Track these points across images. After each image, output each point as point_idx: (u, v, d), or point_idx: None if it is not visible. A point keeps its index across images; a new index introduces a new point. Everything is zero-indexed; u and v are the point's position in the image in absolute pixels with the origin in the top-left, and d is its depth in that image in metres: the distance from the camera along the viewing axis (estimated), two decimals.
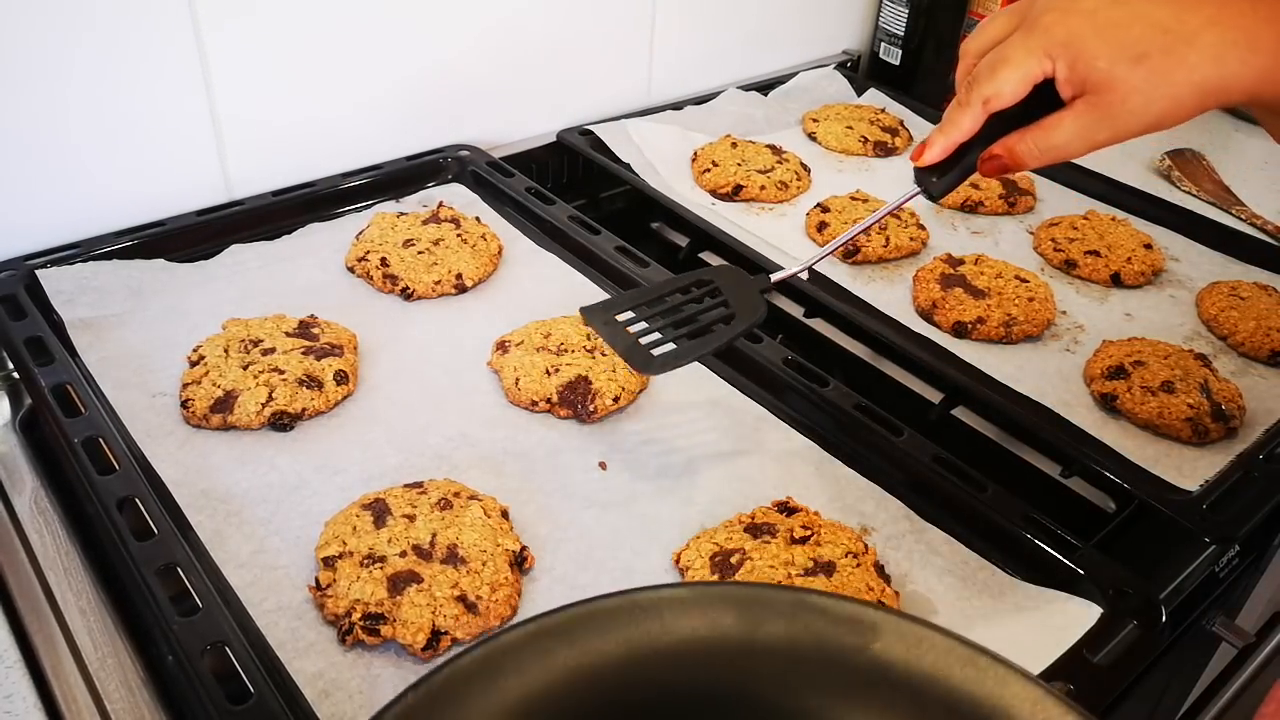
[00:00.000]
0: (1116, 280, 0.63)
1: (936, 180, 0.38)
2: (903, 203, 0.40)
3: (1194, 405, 0.50)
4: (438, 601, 0.37)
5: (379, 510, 0.40)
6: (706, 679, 0.27)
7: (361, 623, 0.36)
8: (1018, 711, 0.25)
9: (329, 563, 0.38)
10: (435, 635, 0.37)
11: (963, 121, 0.36)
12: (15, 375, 0.48)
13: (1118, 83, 0.32)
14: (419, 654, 0.36)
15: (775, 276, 0.43)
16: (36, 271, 0.52)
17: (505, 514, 0.42)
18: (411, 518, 0.40)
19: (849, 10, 0.91)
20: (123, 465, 0.42)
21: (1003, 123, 0.35)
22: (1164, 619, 0.39)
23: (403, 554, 0.39)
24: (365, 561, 0.38)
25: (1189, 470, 0.47)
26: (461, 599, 0.37)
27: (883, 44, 0.89)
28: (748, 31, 0.84)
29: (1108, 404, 0.51)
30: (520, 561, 0.40)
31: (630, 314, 0.42)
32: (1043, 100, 0.34)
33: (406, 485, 0.42)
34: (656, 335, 0.41)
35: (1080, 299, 0.61)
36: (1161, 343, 0.55)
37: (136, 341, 0.50)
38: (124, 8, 0.52)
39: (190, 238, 0.57)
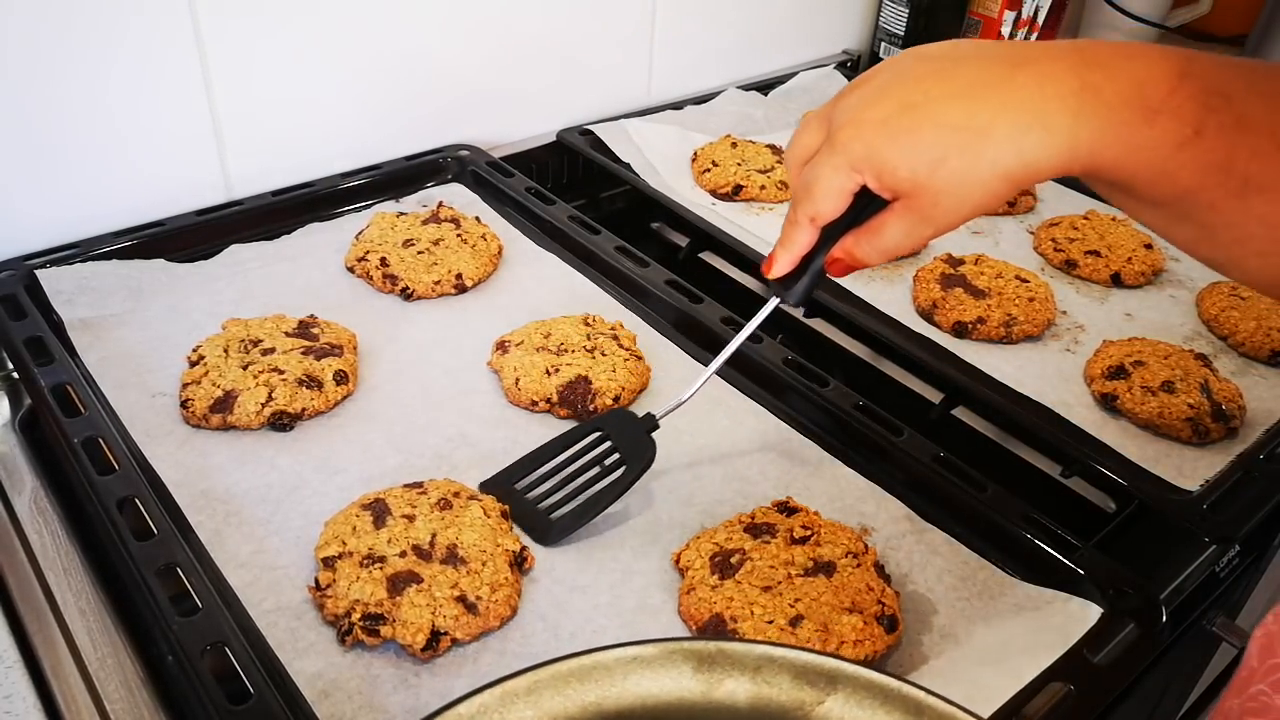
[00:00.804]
0: (1117, 280, 0.63)
1: (791, 289, 0.39)
2: (764, 316, 0.41)
3: (1194, 405, 0.50)
4: (437, 602, 0.37)
5: (379, 510, 0.40)
6: None
7: (361, 623, 0.36)
8: None
9: (329, 563, 0.38)
10: (435, 635, 0.36)
11: (798, 237, 0.37)
12: (15, 375, 0.48)
13: (923, 189, 0.33)
14: (418, 654, 0.36)
15: (660, 413, 0.43)
16: (36, 272, 0.52)
17: (505, 514, 0.42)
18: (411, 518, 0.40)
19: (849, 10, 0.91)
20: (122, 465, 0.42)
21: (840, 225, 0.37)
22: (1164, 619, 0.39)
23: (402, 554, 0.39)
24: (365, 562, 0.38)
25: (1189, 470, 0.47)
26: (461, 599, 0.37)
27: (883, 44, 0.89)
28: (748, 31, 0.84)
29: (1108, 404, 0.51)
30: (520, 562, 0.40)
31: (529, 479, 0.43)
32: (873, 197, 0.35)
33: (406, 485, 0.42)
34: (558, 498, 0.42)
35: (1080, 299, 0.61)
36: (1162, 343, 0.55)
37: (136, 341, 0.50)
38: (124, 7, 0.52)
39: (190, 238, 0.57)
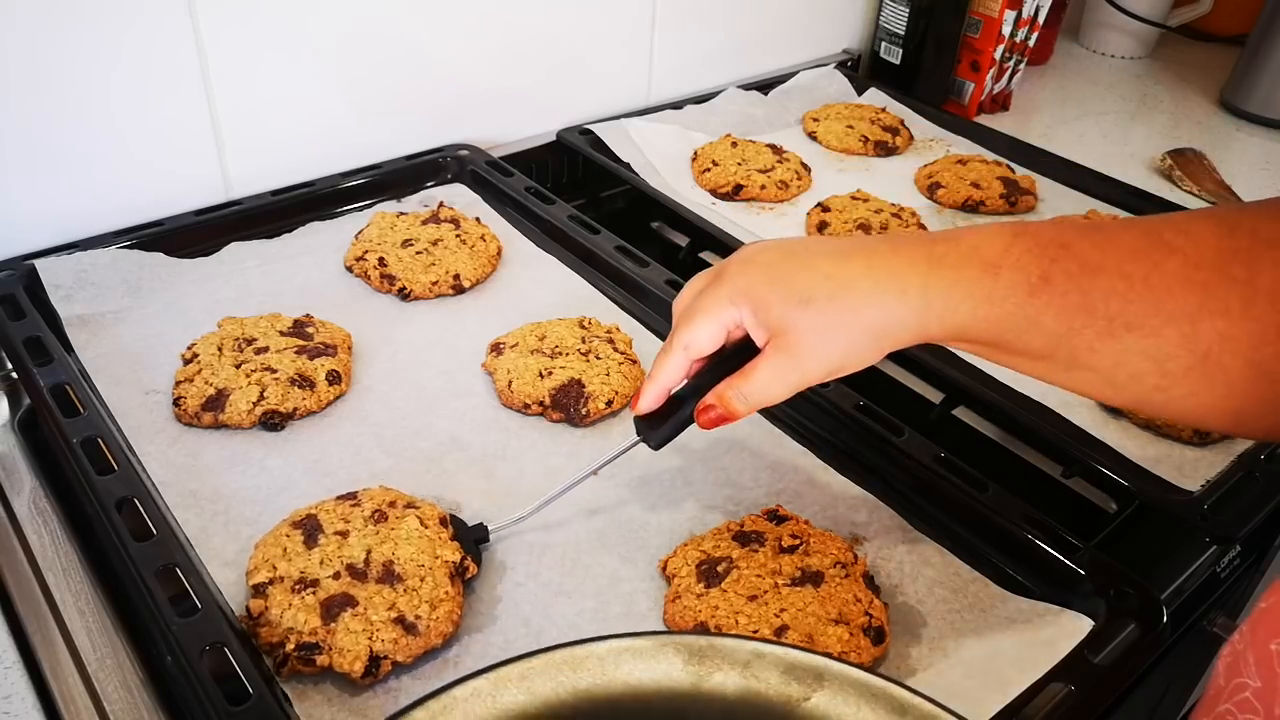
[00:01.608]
0: None
1: (653, 431, 0.38)
2: (618, 456, 0.39)
3: None
4: (374, 625, 0.36)
5: (310, 528, 0.39)
6: None
7: (296, 654, 0.35)
8: None
9: (260, 590, 0.37)
10: (374, 660, 0.35)
11: (668, 368, 0.37)
12: (14, 375, 0.48)
13: (791, 325, 0.34)
14: (359, 681, 0.35)
15: (495, 526, 0.41)
16: (34, 262, 0.52)
17: (445, 521, 0.40)
18: (345, 534, 0.39)
19: (849, 9, 0.91)
20: (121, 465, 0.41)
21: (718, 374, 0.36)
22: (1165, 620, 0.39)
23: (336, 575, 0.37)
24: (297, 587, 0.37)
25: (1190, 470, 0.47)
26: (400, 620, 0.36)
27: (883, 43, 0.89)
28: (748, 31, 0.84)
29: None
30: (462, 572, 0.39)
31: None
32: (753, 353, 0.36)
33: (339, 497, 0.41)
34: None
35: None
36: None
37: (132, 339, 0.50)
38: (123, 7, 0.52)
39: (189, 237, 0.57)
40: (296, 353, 0.48)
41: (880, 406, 0.48)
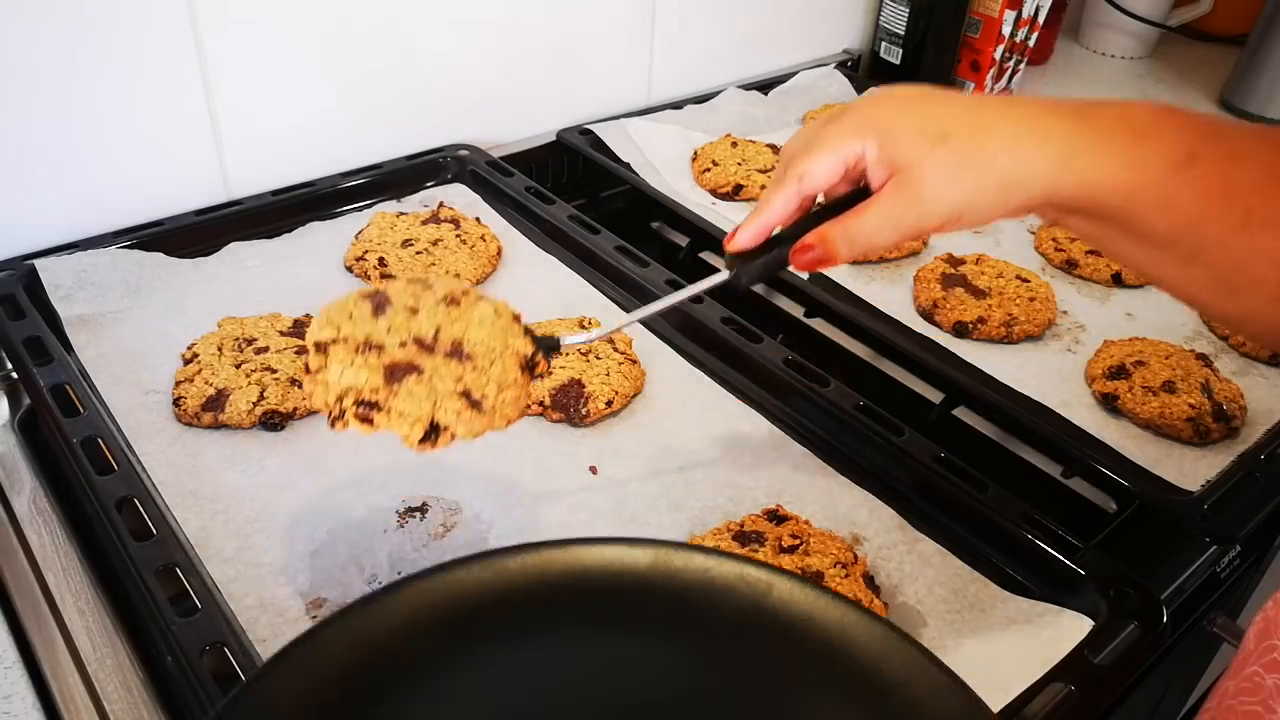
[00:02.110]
0: (1118, 280, 0.62)
1: (745, 267, 0.36)
2: (704, 289, 0.37)
3: (1195, 405, 0.50)
4: (439, 394, 0.34)
5: (380, 301, 0.37)
6: (617, 606, 0.32)
7: (356, 408, 0.34)
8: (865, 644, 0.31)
9: (320, 347, 0.35)
10: (434, 428, 0.34)
11: (776, 202, 0.35)
12: (14, 375, 0.48)
13: (919, 160, 0.32)
14: (415, 446, 0.34)
15: (566, 342, 0.39)
16: (34, 263, 0.52)
17: (518, 319, 0.38)
18: (414, 310, 0.36)
19: (849, 10, 0.91)
20: (121, 465, 0.41)
21: (816, 220, 0.35)
22: (1165, 619, 0.39)
23: (402, 344, 0.35)
24: (361, 348, 0.35)
25: (1190, 470, 0.47)
26: (465, 395, 0.34)
27: (883, 43, 0.89)
28: (748, 31, 0.84)
29: (1109, 404, 0.51)
30: (532, 366, 0.37)
31: None
32: (857, 201, 0.34)
33: (410, 279, 0.39)
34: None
35: (1081, 299, 0.61)
36: (1163, 342, 0.55)
37: (132, 339, 0.50)
38: (123, 7, 0.52)
39: (189, 237, 0.57)
40: (296, 353, 0.48)
41: (880, 406, 0.48)
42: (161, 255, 0.56)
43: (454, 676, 0.31)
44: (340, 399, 0.34)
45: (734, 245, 0.36)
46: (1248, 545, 0.46)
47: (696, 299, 0.38)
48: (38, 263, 0.52)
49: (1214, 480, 0.46)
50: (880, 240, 0.34)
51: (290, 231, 0.60)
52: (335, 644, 0.30)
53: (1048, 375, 0.54)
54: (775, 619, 0.32)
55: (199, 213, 0.59)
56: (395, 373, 0.34)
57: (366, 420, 0.34)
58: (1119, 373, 0.52)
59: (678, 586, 0.33)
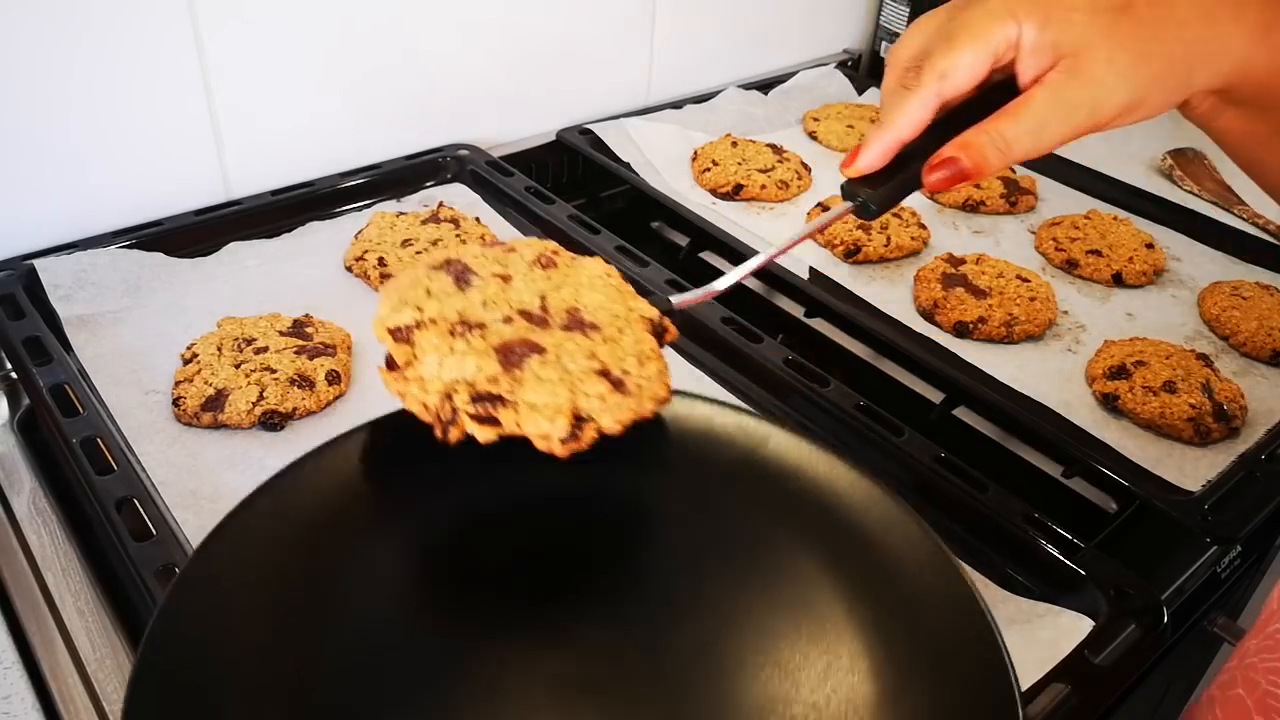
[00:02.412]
0: (1118, 280, 0.62)
1: (873, 193, 0.30)
2: (827, 224, 0.32)
3: (1196, 405, 0.50)
4: (574, 376, 0.27)
5: (459, 271, 0.30)
6: (614, 443, 0.30)
7: (473, 406, 0.26)
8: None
9: (401, 335, 0.28)
10: (578, 421, 0.27)
11: (909, 109, 0.28)
12: (13, 375, 0.48)
13: (1098, 39, 0.26)
14: (559, 448, 0.27)
15: (678, 300, 0.34)
16: (34, 262, 0.52)
17: (625, 277, 0.33)
18: (506, 278, 0.30)
19: (850, 9, 0.91)
20: (121, 465, 0.41)
21: (945, 131, 0.29)
22: (1165, 620, 0.39)
23: (507, 320, 0.28)
24: (459, 329, 0.27)
25: (1191, 470, 0.47)
26: (605, 374, 0.27)
27: (883, 43, 0.89)
28: (748, 30, 0.83)
29: (1109, 404, 0.51)
30: (660, 333, 0.31)
31: None
32: (996, 103, 0.28)
33: (484, 244, 0.32)
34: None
35: (1082, 298, 0.61)
36: (1163, 342, 0.55)
37: (132, 338, 0.50)
38: (123, 6, 0.52)
39: (188, 237, 0.57)
40: (296, 353, 0.48)
41: (880, 406, 0.48)
42: (161, 255, 0.56)
43: (428, 498, 0.29)
44: (448, 397, 0.27)
45: (855, 168, 0.30)
46: (1248, 545, 0.46)
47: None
48: (37, 262, 0.52)
49: (1214, 480, 0.46)
50: (1045, 142, 0.28)
51: (290, 231, 0.60)
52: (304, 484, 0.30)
53: (1048, 375, 0.53)
54: (767, 468, 0.32)
55: (198, 212, 0.59)
56: (511, 355, 0.27)
57: (489, 420, 0.26)
58: (1119, 373, 0.52)
59: (677, 431, 0.32)
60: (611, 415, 0.27)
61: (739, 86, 0.82)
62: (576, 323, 0.29)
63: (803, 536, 0.31)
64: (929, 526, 0.31)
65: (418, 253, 0.57)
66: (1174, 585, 0.43)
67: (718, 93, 0.80)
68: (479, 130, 0.70)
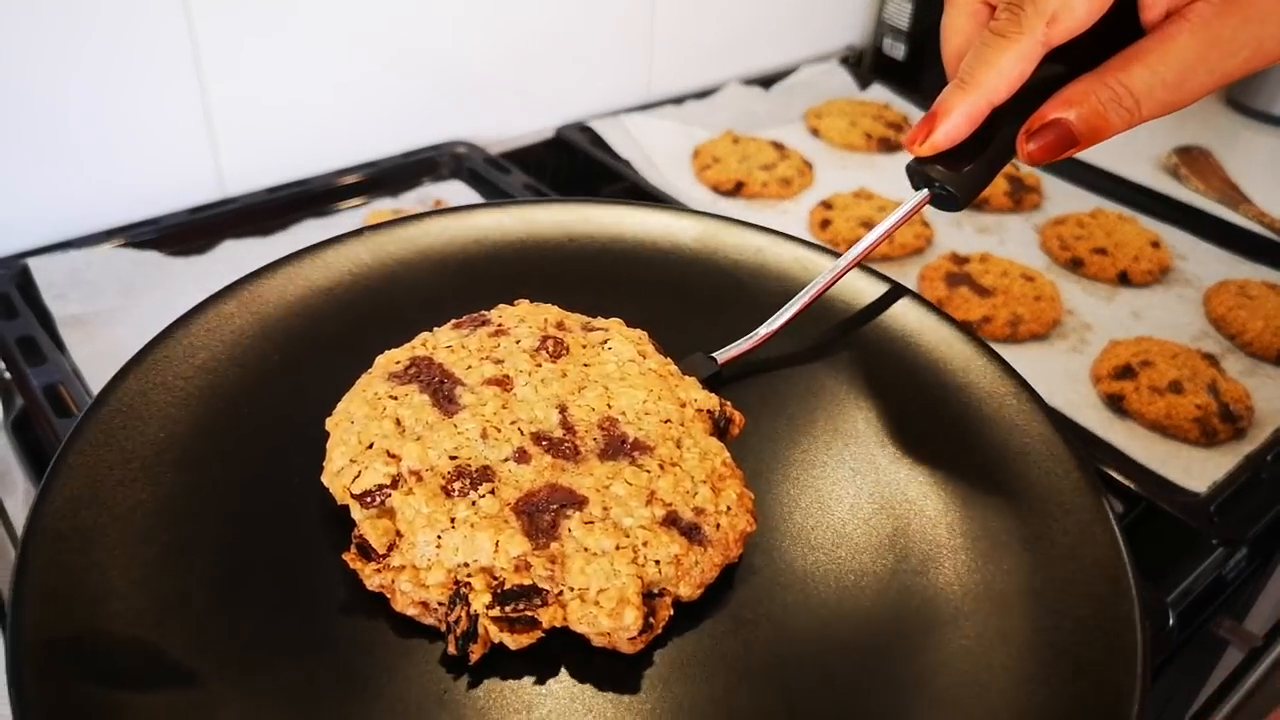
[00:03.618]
0: (1124, 279, 0.62)
1: (955, 175, 0.24)
2: (896, 226, 0.27)
3: (1202, 406, 0.49)
4: (633, 538, 0.20)
5: (435, 381, 0.22)
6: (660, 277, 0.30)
7: (502, 609, 0.19)
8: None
9: (371, 501, 0.21)
10: (649, 600, 0.20)
11: (1006, 63, 0.22)
12: (7, 375, 0.47)
13: None
14: (623, 646, 0.20)
15: (724, 355, 0.27)
16: (27, 261, 0.51)
17: (659, 348, 0.25)
18: (504, 382, 0.22)
19: (852, 4, 0.90)
20: None
21: (1041, 84, 0.23)
22: (1171, 622, 0.38)
23: (520, 455, 0.21)
24: (456, 484, 0.20)
25: (1197, 471, 0.47)
26: (672, 520, 0.20)
27: (886, 38, 0.88)
28: (749, 25, 0.83)
29: (1115, 404, 0.51)
30: (723, 429, 0.24)
31: None
32: (1109, 43, 0.22)
33: (455, 324, 0.25)
34: None
35: (1087, 298, 0.61)
36: (1169, 342, 0.54)
37: (127, 338, 0.50)
38: (117, 4, 0.51)
39: (183, 236, 0.57)
40: None
41: None
42: (155, 254, 0.55)
43: (465, 311, 0.27)
44: (461, 597, 0.19)
45: (933, 143, 0.24)
46: (1255, 547, 0.45)
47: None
48: (31, 262, 0.52)
49: (1221, 481, 0.46)
50: (1186, 95, 0.22)
51: (285, 229, 0.59)
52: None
53: (1053, 375, 0.53)
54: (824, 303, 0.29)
55: (193, 211, 0.58)
56: (540, 518, 0.20)
57: (526, 625, 0.19)
58: (1125, 373, 0.51)
59: (727, 263, 0.30)
60: (691, 582, 0.20)
61: (740, 82, 0.81)
62: (617, 444, 0.21)
63: (861, 363, 0.29)
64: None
65: None
66: (1180, 587, 0.42)
67: (719, 89, 0.79)
68: (477, 127, 0.69)
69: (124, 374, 0.28)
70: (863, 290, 0.33)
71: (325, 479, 0.23)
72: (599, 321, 0.26)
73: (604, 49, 0.74)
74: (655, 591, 0.20)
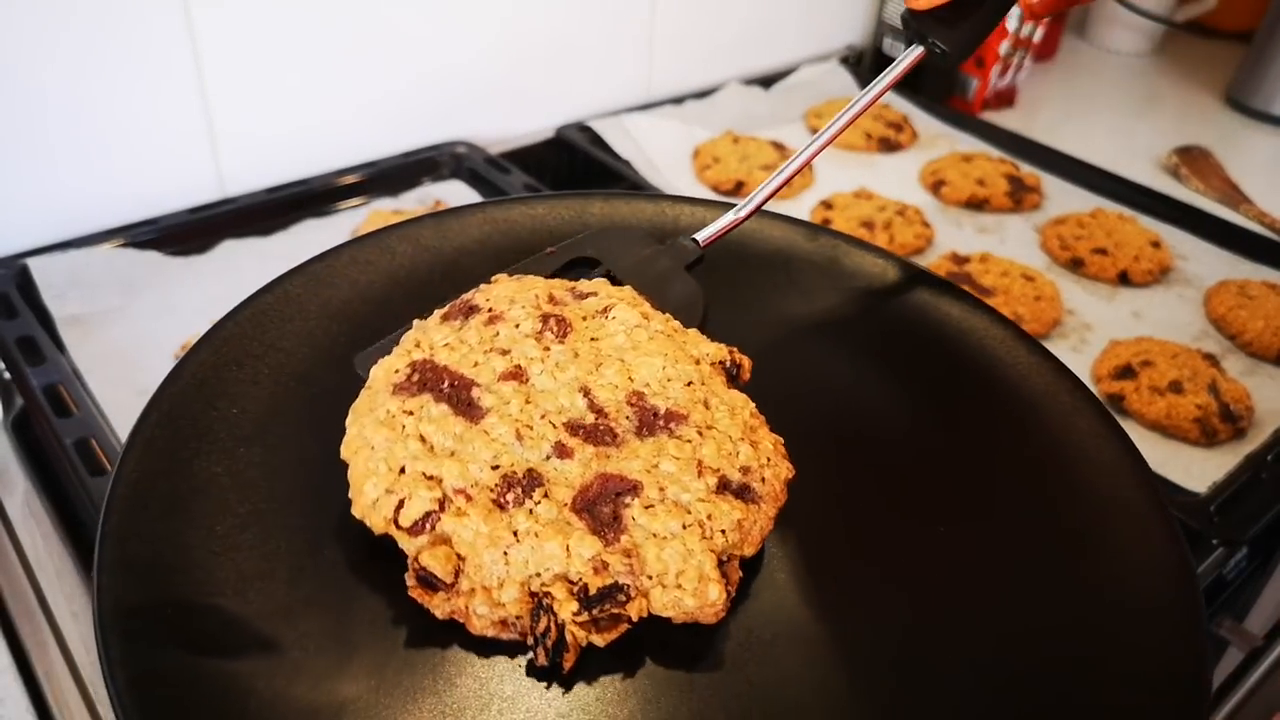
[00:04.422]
0: (1124, 279, 0.62)
1: (949, 32, 0.24)
2: (897, 76, 0.26)
3: (1202, 406, 0.49)
4: (694, 511, 0.20)
5: (435, 381, 0.21)
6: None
7: (589, 610, 0.19)
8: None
9: (421, 528, 0.20)
10: (723, 570, 0.20)
11: None
12: (6, 375, 0.47)
13: None
14: (708, 618, 0.20)
15: (704, 235, 0.27)
16: (27, 261, 0.51)
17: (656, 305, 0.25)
18: (517, 375, 0.21)
19: (852, 3, 0.90)
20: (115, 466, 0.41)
21: None
22: None
23: (560, 449, 0.20)
24: (505, 493, 0.20)
25: (1197, 471, 0.47)
26: (723, 485, 0.20)
27: (887, 38, 0.88)
28: (749, 26, 0.83)
29: (1115, 404, 0.51)
30: (735, 375, 0.24)
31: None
32: None
33: (443, 316, 0.24)
34: None
35: (1087, 297, 0.61)
36: (1169, 342, 0.54)
37: (126, 338, 0.50)
38: (117, 3, 0.51)
39: (183, 236, 0.57)
40: None
41: None
42: (155, 254, 0.55)
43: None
44: (545, 608, 0.19)
45: None
46: (1255, 547, 0.45)
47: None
48: (30, 262, 0.52)
49: (1221, 481, 0.45)
50: None
51: (285, 230, 0.59)
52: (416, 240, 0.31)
53: None
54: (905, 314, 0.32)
55: (193, 211, 0.58)
56: (602, 512, 0.19)
57: (612, 622, 0.19)
58: (1125, 373, 0.51)
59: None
60: (753, 542, 0.20)
61: (740, 82, 0.81)
62: (651, 418, 0.21)
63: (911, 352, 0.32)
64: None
65: None
66: None
67: (719, 88, 0.79)
68: (477, 127, 0.69)
69: (197, 350, 0.29)
70: (898, 282, 0.35)
71: (358, 512, 0.22)
72: (585, 284, 0.25)
73: (604, 49, 0.74)
74: (724, 559, 0.20)
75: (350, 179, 0.63)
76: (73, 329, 0.50)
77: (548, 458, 0.21)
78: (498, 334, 0.23)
